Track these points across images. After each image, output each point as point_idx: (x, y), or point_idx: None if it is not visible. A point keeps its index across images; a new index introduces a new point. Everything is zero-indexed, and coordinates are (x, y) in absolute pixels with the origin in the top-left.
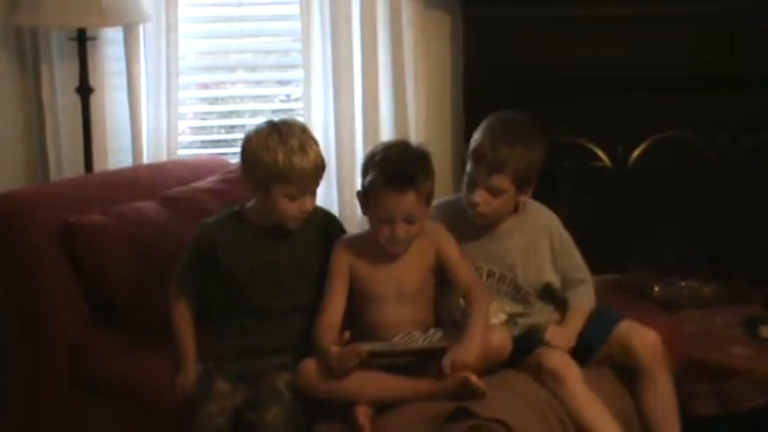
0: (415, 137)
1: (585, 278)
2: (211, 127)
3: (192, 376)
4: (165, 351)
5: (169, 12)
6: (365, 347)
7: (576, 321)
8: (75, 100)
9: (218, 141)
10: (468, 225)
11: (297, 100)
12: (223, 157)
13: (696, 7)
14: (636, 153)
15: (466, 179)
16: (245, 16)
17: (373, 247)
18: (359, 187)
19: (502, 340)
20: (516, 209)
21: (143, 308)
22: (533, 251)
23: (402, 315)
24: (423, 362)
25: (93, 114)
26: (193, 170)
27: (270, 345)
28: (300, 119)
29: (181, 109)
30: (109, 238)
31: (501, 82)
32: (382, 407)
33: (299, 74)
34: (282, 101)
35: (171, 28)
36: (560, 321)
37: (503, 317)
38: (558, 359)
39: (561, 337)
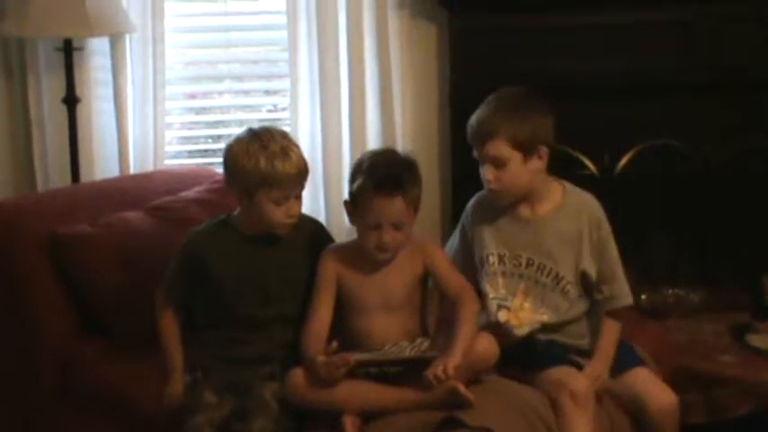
0: (401, 146)
1: (618, 274)
2: (198, 137)
3: (179, 386)
4: (153, 361)
5: (156, 22)
6: (353, 356)
7: (609, 349)
8: (62, 110)
9: (205, 151)
10: (504, 214)
11: (284, 110)
12: (210, 166)
13: (681, 15)
14: (623, 161)
15: (480, 164)
16: (232, 26)
17: (360, 257)
18: (346, 196)
19: (488, 348)
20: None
21: (130, 318)
22: (572, 237)
23: (389, 325)
24: (410, 371)
25: (80, 125)
26: (180, 180)
27: (257, 354)
28: (287, 128)
29: (168, 119)
30: (96, 248)
31: (487, 91)
32: (370, 416)
33: (285, 83)
34: (269, 110)
35: (157, 38)
36: (592, 330)
37: (536, 326)
38: (586, 387)
39: (596, 376)
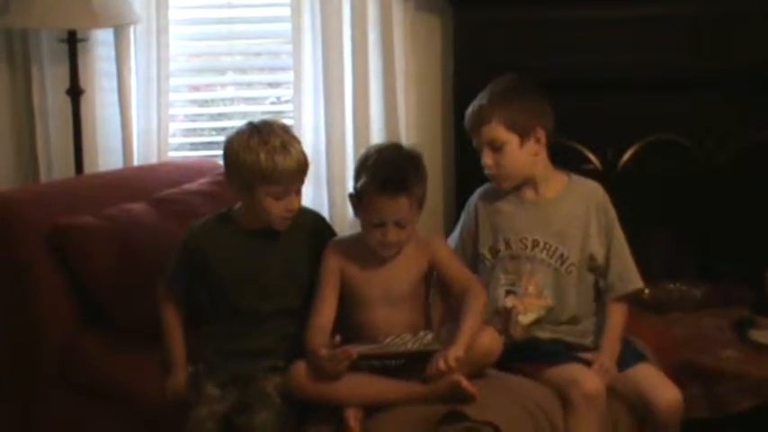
0: (405, 139)
1: (627, 258)
2: (202, 129)
3: (181, 379)
4: (155, 353)
5: (159, 13)
6: (356, 349)
7: (616, 339)
8: (66, 102)
9: (209, 143)
10: (508, 199)
11: (287, 102)
12: (213, 159)
13: (685, 9)
14: (626, 156)
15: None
16: (236, 18)
17: (364, 251)
18: (350, 189)
19: (491, 343)
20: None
21: (133, 309)
22: (580, 219)
23: (392, 318)
24: (413, 364)
25: (84, 116)
26: (184, 172)
27: (259, 347)
28: (291, 121)
29: (171, 111)
30: (99, 239)
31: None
32: (372, 409)
33: (289, 76)
34: (273, 103)
35: (161, 30)
36: (596, 314)
37: (542, 312)
38: (598, 386)
39: (605, 372)
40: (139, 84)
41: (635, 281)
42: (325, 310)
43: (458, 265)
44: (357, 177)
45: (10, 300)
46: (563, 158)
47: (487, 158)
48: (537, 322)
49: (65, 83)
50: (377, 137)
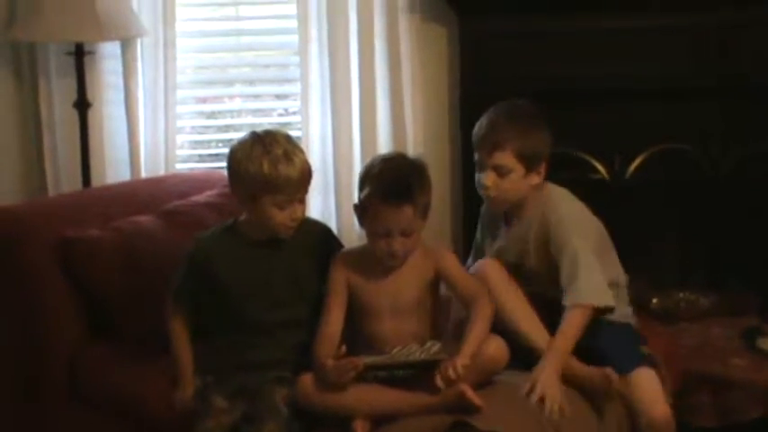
0: (412, 149)
1: (579, 273)
2: (209, 141)
3: (189, 391)
4: (163, 364)
5: (167, 26)
6: (362, 360)
7: (558, 344)
8: (73, 114)
9: (216, 155)
10: (499, 218)
11: (294, 113)
12: (221, 171)
13: (689, 20)
14: (633, 165)
15: (476, 168)
16: (243, 30)
17: (370, 262)
18: (356, 200)
19: (498, 351)
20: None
21: (140, 321)
22: (537, 237)
23: (399, 329)
24: (420, 374)
25: (91, 129)
26: (191, 184)
27: (266, 359)
28: (298, 132)
29: (178, 123)
30: (107, 252)
31: (498, 95)
32: (380, 420)
33: (296, 87)
34: (280, 114)
35: (168, 42)
36: None
37: None
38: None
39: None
40: (146, 96)
41: (581, 296)
42: (333, 322)
43: (464, 276)
44: (361, 187)
45: (18, 312)
46: (570, 168)
47: (488, 180)
48: None
49: (72, 96)
50: (384, 147)
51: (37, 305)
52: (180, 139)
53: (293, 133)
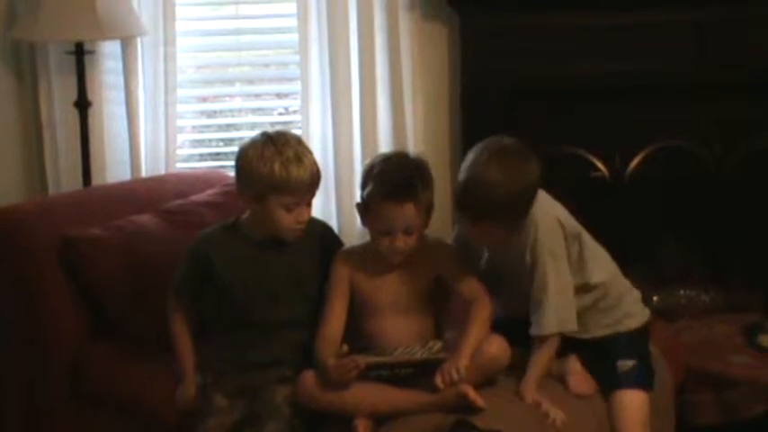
0: (412, 147)
1: (544, 300)
2: (210, 140)
3: (191, 390)
4: (164, 364)
5: (167, 25)
6: (363, 360)
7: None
8: (74, 114)
9: (217, 154)
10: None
11: (295, 112)
12: (222, 170)
13: (692, 16)
14: (634, 162)
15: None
16: (243, 29)
17: (372, 260)
18: (358, 198)
19: (499, 351)
20: None
21: (142, 321)
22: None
23: (401, 327)
24: (422, 373)
25: (92, 128)
26: (192, 183)
27: (267, 358)
28: (299, 131)
29: (179, 122)
30: (107, 251)
31: (499, 92)
32: (382, 419)
33: (297, 86)
34: (281, 113)
35: (169, 41)
36: None
37: None
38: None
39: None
40: (147, 95)
41: (542, 326)
42: (335, 320)
43: (465, 274)
44: (364, 186)
45: (19, 312)
46: (571, 166)
47: (477, 238)
48: None
49: (72, 95)
50: (384, 145)
51: (38, 304)
52: (180, 138)
53: (294, 132)
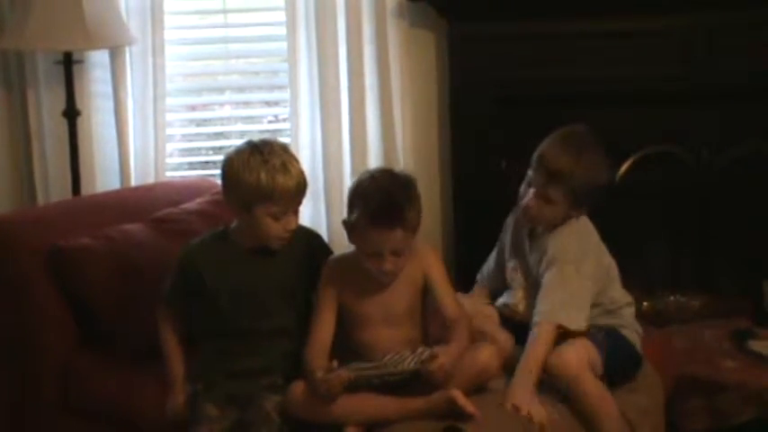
0: (402, 155)
1: (548, 295)
2: (199, 149)
3: (180, 398)
4: (154, 373)
5: (155, 34)
6: (349, 374)
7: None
8: (62, 123)
9: (206, 163)
10: (524, 233)
11: (285, 120)
12: (211, 178)
13: (677, 22)
14: (622, 168)
15: (525, 179)
16: (232, 38)
17: (361, 270)
18: (346, 208)
19: (489, 360)
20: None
21: (132, 330)
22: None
23: (391, 336)
24: (412, 378)
25: (81, 138)
26: (181, 192)
27: (258, 366)
28: (288, 139)
29: (168, 131)
30: (97, 260)
31: (487, 99)
32: (372, 427)
33: (286, 94)
34: (270, 121)
35: (157, 50)
36: None
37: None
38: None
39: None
40: (136, 104)
41: (541, 312)
42: (324, 329)
43: (447, 293)
44: (350, 207)
45: (8, 321)
46: None
47: (531, 202)
48: None
49: (61, 105)
50: (374, 153)
51: (27, 314)
52: (170, 146)
53: (283, 140)
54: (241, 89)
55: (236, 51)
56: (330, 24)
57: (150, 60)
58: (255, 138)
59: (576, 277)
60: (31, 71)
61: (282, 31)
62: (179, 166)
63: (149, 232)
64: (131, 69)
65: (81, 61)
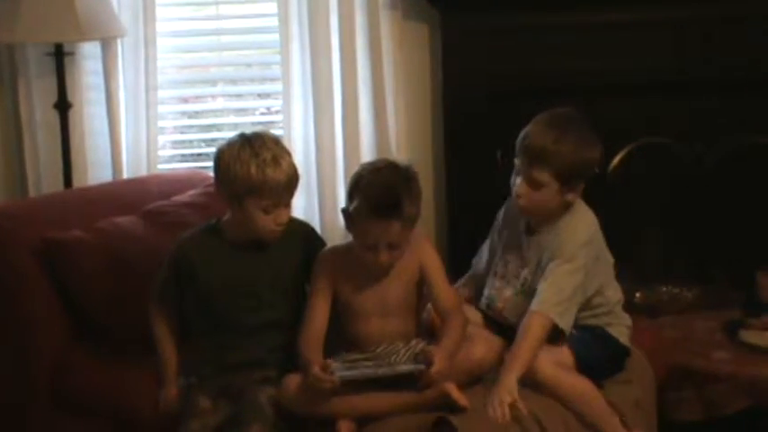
0: (395, 146)
1: (548, 288)
2: (191, 141)
3: (173, 392)
4: (147, 366)
5: (147, 26)
6: (339, 374)
7: (518, 351)
8: (54, 116)
9: (199, 155)
10: (520, 225)
11: (277, 112)
12: (204, 170)
13: (671, 14)
14: (616, 159)
15: (514, 171)
16: (224, 30)
17: (356, 261)
18: (340, 198)
19: (485, 353)
20: (567, 208)
21: (124, 323)
22: (546, 254)
23: (385, 328)
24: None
25: (72, 130)
26: (174, 184)
27: (250, 360)
28: (280, 131)
29: (160, 123)
30: (89, 253)
31: (480, 91)
32: (365, 421)
33: (279, 86)
34: (263, 113)
35: (149, 42)
36: None
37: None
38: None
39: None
40: (128, 96)
41: (539, 303)
42: (318, 321)
43: (442, 283)
44: (350, 198)
45: (0, 315)
46: None
47: (519, 189)
48: None
49: (52, 96)
50: (367, 145)
51: (19, 307)
52: (162, 139)
53: (275, 132)
54: (233, 81)
55: (229, 43)
56: (323, 16)
57: (142, 52)
58: (248, 130)
59: (577, 276)
60: (21, 63)
61: (275, 22)
62: (171, 159)
63: (142, 225)
64: (123, 61)
65: (72, 53)
